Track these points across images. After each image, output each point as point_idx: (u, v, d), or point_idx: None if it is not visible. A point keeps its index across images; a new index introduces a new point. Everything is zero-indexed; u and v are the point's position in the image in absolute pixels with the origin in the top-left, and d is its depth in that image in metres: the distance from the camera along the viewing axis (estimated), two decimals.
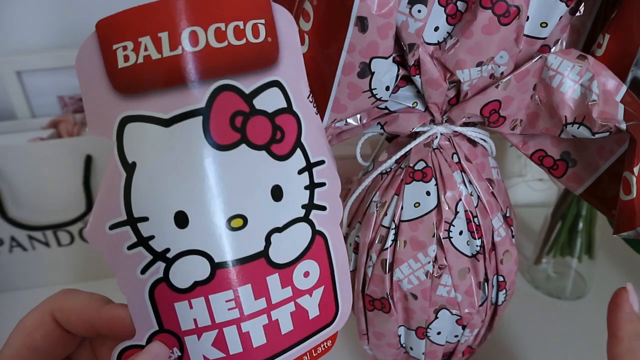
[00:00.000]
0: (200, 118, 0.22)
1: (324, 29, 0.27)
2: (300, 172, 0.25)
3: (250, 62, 0.23)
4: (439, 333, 0.37)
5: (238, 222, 0.23)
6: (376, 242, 0.36)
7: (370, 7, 0.25)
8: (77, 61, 0.22)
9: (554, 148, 0.34)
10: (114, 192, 0.23)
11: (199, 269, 0.23)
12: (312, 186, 0.25)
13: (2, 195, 0.53)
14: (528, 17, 0.28)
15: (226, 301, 0.24)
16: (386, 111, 0.34)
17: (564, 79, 0.29)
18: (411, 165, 0.35)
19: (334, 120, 0.31)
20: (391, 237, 0.35)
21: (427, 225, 0.34)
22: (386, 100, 0.30)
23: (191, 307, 0.23)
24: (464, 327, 0.37)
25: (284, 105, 0.24)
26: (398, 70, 0.30)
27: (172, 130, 0.22)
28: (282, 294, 0.25)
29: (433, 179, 0.34)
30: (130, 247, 0.23)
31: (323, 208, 0.26)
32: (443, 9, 0.29)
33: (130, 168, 0.23)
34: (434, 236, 0.34)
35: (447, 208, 0.34)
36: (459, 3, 0.28)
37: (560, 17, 0.29)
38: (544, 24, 0.29)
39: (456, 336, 0.38)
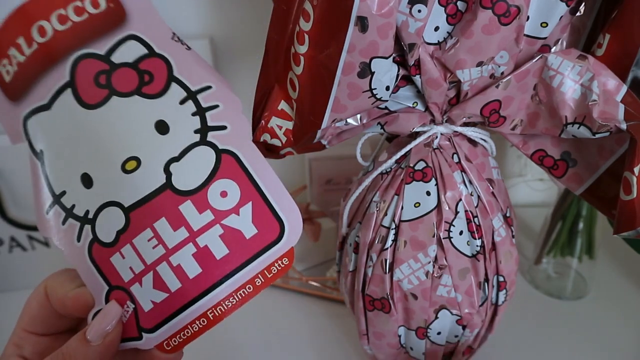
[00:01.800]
0: (69, 89, 0.26)
1: (324, 29, 0.27)
2: (182, 102, 0.27)
3: (98, 29, 0.26)
4: (439, 333, 0.37)
5: (132, 164, 0.26)
6: (376, 242, 0.36)
7: (370, 7, 0.25)
8: None
9: (554, 148, 0.34)
10: (39, 182, 0.27)
11: (116, 219, 0.26)
12: (200, 111, 0.27)
13: (2, 195, 0.53)
14: (528, 17, 0.28)
15: (148, 240, 0.26)
16: (386, 111, 0.34)
17: (564, 79, 0.29)
18: (411, 165, 0.35)
19: (334, 120, 0.31)
20: (391, 237, 0.35)
21: (427, 225, 0.34)
22: (386, 100, 0.30)
23: (123, 257, 0.26)
24: (464, 327, 0.37)
25: (145, 52, 0.27)
26: (398, 70, 0.30)
27: (54, 110, 0.26)
28: (202, 219, 0.26)
29: (433, 179, 0.34)
30: (63, 222, 0.26)
31: (222, 128, 0.27)
32: (443, 8, 0.29)
33: (40, 156, 0.27)
34: (434, 236, 0.34)
35: (447, 208, 0.34)
36: (459, 3, 0.28)
37: (561, 17, 0.29)
38: (544, 24, 0.29)
39: (456, 336, 0.38)
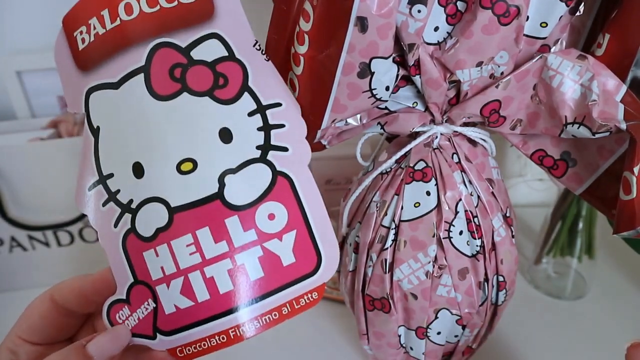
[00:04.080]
0: (141, 75, 0.25)
1: (324, 29, 0.27)
2: (250, 114, 0.26)
3: (184, 20, 0.26)
4: (439, 333, 0.37)
5: (187, 165, 0.25)
6: (376, 242, 0.36)
7: (370, 7, 0.25)
8: (55, 55, 0.27)
9: (554, 148, 0.34)
10: (88, 157, 0.26)
11: (159, 216, 0.25)
12: (266, 127, 0.26)
13: (2, 195, 0.53)
14: (528, 17, 0.28)
15: (187, 245, 0.25)
16: (386, 111, 0.34)
17: (564, 79, 0.29)
18: (411, 165, 0.35)
19: (334, 120, 0.31)
20: (391, 237, 0.35)
21: (427, 225, 0.34)
22: (386, 100, 0.30)
23: (157, 255, 0.25)
24: (464, 327, 0.37)
25: (225, 54, 0.26)
26: (398, 70, 0.30)
27: (121, 91, 0.25)
28: (245, 237, 0.25)
29: (433, 178, 0.34)
30: (104, 204, 0.26)
31: (284, 149, 0.26)
32: (443, 9, 0.29)
33: (96, 132, 0.26)
34: (434, 236, 0.34)
35: (447, 208, 0.34)
36: (458, 3, 0.28)
37: (560, 17, 0.29)
38: (543, 24, 0.29)
39: (456, 336, 0.38)
